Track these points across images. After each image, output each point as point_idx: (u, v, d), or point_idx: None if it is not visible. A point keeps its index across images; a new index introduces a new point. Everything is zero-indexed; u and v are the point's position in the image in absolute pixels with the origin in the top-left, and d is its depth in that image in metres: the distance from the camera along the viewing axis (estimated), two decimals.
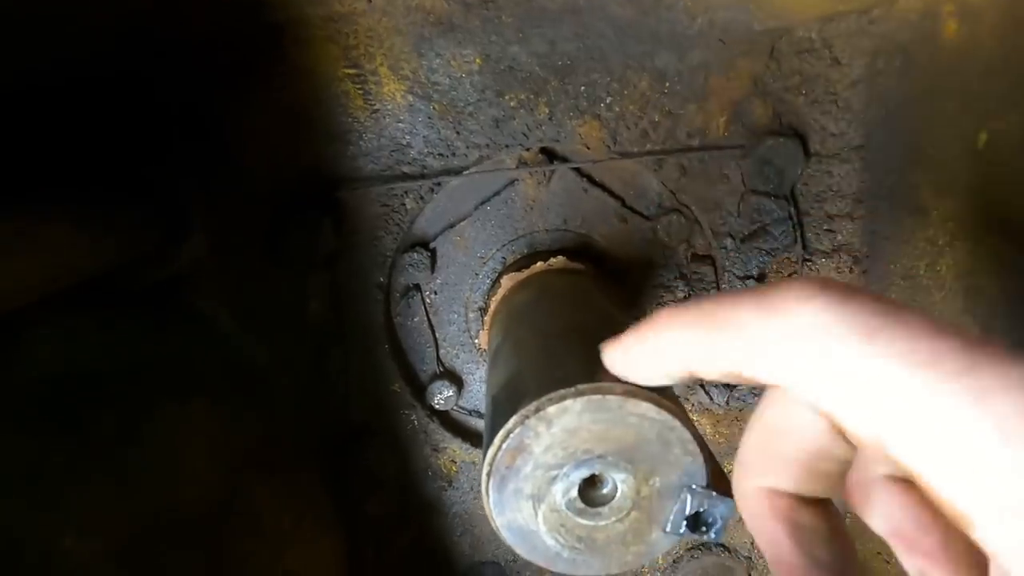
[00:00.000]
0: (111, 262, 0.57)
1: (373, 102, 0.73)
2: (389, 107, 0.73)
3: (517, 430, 0.44)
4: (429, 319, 0.85)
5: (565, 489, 0.45)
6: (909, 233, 0.67)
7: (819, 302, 0.29)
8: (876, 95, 0.69)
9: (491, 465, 0.45)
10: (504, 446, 0.45)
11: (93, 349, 0.58)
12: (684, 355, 0.37)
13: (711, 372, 0.36)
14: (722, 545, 0.98)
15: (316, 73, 0.71)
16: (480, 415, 0.91)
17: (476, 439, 0.90)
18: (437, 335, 0.86)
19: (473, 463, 0.91)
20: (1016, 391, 0.22)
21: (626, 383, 0.44)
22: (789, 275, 0.81)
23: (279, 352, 0.80)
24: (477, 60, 0.71)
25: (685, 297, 0.83)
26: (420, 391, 0.87)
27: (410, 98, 0.73)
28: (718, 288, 0.83)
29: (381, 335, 0.84)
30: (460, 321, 0.85)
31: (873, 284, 0.76)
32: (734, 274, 0.81)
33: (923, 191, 0.64)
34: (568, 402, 0.43)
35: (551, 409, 0.43)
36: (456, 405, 0.88)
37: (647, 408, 0.43)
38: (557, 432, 0.44)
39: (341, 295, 0.81)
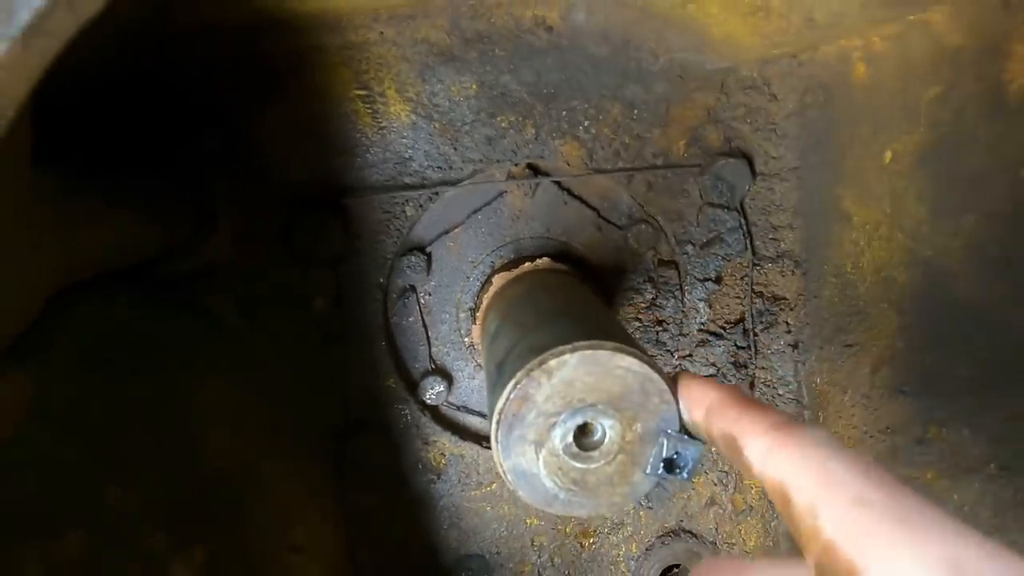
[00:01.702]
0: (154, 250, 0.63)
1: (380, 120, 0.83)
2: (394, 125, 0.83)
3: (523, 381, 0.52)
4: (423, 318, 0.92)
5: (562, 434, 0.53)
6: (837, 237, 0.80)
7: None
8: (807, 124, 0.83)
9: (500, 413, 0.53)
10: (512, 395, 0.53)
11: (130, 325, 0.63)
12: (727, 421, 0.44)
13: (733, 446, 0.43)
14: (690, 532, 1.06)
15: (330, 92, 0.80)
16: (468, 411, 0.97)
17: (464, 433, 0.97)
18: (430, 334, 0.93)
19: (461, 456, 0.97)
20: None
21: (615, 342, 0.53)
22: (741, 278, 0.93)
23: (283, 346, 0.86)
24: (473, 86, 0.82)
25: (653, 298, 0.94)
26: (413, 386, 0.93)
27: (413, 117, 0.83)
28: (682, 290, 0.94)
29: (379, 333, 0.90)
30: (451, 320, 0.93)
31: (811, 283, 0.88)
32: (695, 276, 0.93)
33: (846, 201, 0.77)
34: (566, 356, 0.52)
35: (552, 362, 0.52)
36: (446, 401, 0.95)
37: (631, 362, 0.53)
38: (556, 383, 0.53)
39: (343, 294, 0.88)
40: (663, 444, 0.54)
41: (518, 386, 0.53)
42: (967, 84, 0.56)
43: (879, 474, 0.32)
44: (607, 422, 0.54)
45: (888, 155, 0.68)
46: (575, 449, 0.54)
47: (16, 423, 0.41)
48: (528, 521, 1.02)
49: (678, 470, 0.55)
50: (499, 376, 0.58)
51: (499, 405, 0.53)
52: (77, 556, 0.52)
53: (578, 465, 0.54)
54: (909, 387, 0.72)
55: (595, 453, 0.54)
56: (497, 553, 1.03)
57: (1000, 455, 0.59)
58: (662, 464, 0.55)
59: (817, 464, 0.35)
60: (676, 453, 0.55)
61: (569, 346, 0.52)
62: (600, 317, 0.66)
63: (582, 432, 0.55)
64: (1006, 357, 0.57)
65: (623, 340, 0.54)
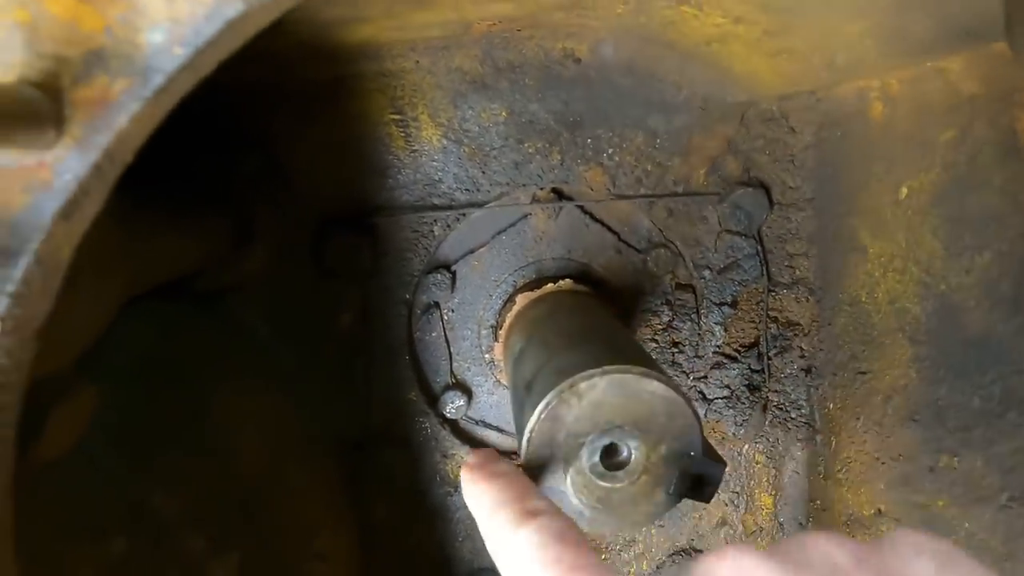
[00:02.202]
0: (195, 265, 0.67)
1: (412, 143, 0.86)
2: (426, 148, 0.86)
3: (554, 402, 0.55)
4: (446, 334, 0.95)
5: (590, 454, 0.56)
6: (852, 268, 0.83)
7: None
8: (823, 157, 0.86)
9: (531, 432, 0.56)
10: (543, 415, 0.55)
11: (170, 338, 0.66)
12: None
13: None
14: (700, 551, 1.07)
15: (365, 117, 0.84)
16: (487, 425, 1.00)
17: (482, 447, 0.99)
18: (452, 349, 0.96)
19: None
20: None
21: (642, 367, 0.55)
22: (757, 303, 0.95)
23: (310, 359, 0.89)
24: (503, 113, 0.86)
25: (670, 320, 0.97)
26: (434, 400, 0.96)
27: (444, 141, 0.86)
28: (698, 313, 0.96)
29: (402, 347, 0.93)
30: (473, 337, 0.96)
31: (825, 310, 0.91)
32: (712, 300, 0.95)
33: (861, 233, 0.80)
34: (596, 379, 0.55)
35: (582, 385, 0.55)
36: (465, 415, 0.97)
37: (658, 387, 0.55)
38: (586, 405, 0.55)
39: (370, 309, 0.91)
40: (686, 466, 0.57)
41: (549, 407, 0.55)
42: (981, 129, 0.59)
43: None
44: (633, 443, 0.56)
45: (904, 191, 0.71)
46: (601, 469, 0.56)
47: (80, 436, 0.44)
48: None
49: (701, 492, 0.58)
50: (528, 395, 0.61)
51: (530, 424, 0.56)
52: (121, 558, 0.54)
53: (604, 484, 0.57)
54: (921, 416, 0.74)
55: (620, 473, 0.57)
56: None
57: (1011, 485, 0.61)
58: (685, 485, 0.57)
59: None
60: (699, 475, 0.57)
61: (600, 370, 0.55)
62: (623, 340, 0.69)
63: (608, 453, 0.57)
64: (1017, 389, 0.59)
65: (648, 364, 0.57)
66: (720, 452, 1.02)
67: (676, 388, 0.56)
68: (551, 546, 0.41)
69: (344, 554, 0.84)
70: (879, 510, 0.83)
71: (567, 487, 0.57)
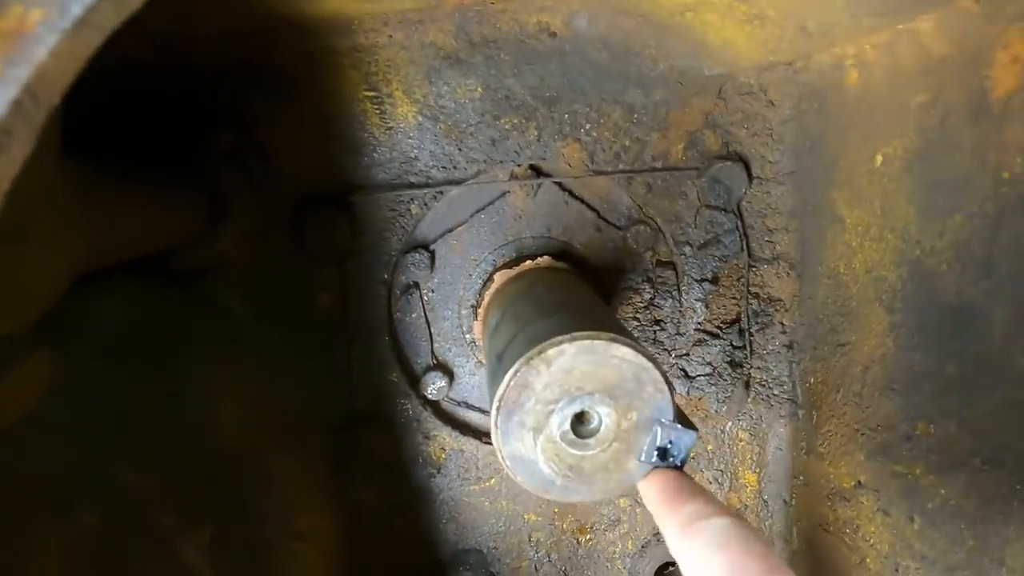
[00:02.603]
0: (168, 240, 0.66)
1: (388, 120, 0.85)
2: (401, 125, 0.86)
3: (523, 369, 0.55)
4: (426, 315, 0.94)
5: (560, 422, 0.55)
6: (831, 239, 0.83)
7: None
8: (802, 129, 0.86)
9: (500, 400, 0.55)
10: (512, 383, 0.55)
11: (145, 315, 0.66)
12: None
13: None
14: None
15: (340, 94, 0.83)
16: (468, 406, 0.99)
17: (464, 428, 0.99)
18: (432, 330, 0.95)
19: (461, 451, 0.99)
20: None
21: (611, 333, 0.55)
22: (738, 279, 0.95)
23: (290, 340, 0.88)
24: (479, 89, 0.85)
25: (651, 298, 0.96)
26: (415, 381, 0.95)
27: (420, 118, 0.85)
28: (679, 290, 0.96)
29: (382, 328, 0.93)
30: (453, 317, 0.95)
31: (805, 284, 0.91)
32: (692, 277, 0.95)
33: (839, 204, 0.80)
34: (564, 345, 0.54)
35: (551, 351, 0.54)
36: (447, 396, 0.97)
37: (627, 352, 0.55)
38: (555, 371, 0.55)
39: (349, 290, 0.90)
40: (657, 432, 0.56)
41: (518, 374, 0.55)
42: (952, 91, 0.59)
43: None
44: (603, 410, 0.56)
45: (879, 159, 0.71)
46: (572, 436, 0.56)
47: (41, 398, 0.43)
48: (526, 517, 1.03)
49: (671, 458, 0.57)
50: (499, 365, 0.60)
51: (499, 392, 0.55)
52: (90, 533, 0.54)
53: (574, 452, 0.56)
54: (898, 384, 0.73)
55: (591, 440, 0.56)
56: (495, 548, 1.04)
57: (983, 449, 0.61)
58: (656, 452, 0.57)
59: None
60: (670, 441, 0.57)
61: (568, 336, 0.55)
62: (597, 310, 0.68)
63: (579, 420, 0.57)
64: (989, 353, 0.59)
65: (619, 332, 0.56)
66: (704, 430, 1.03)
67: (646, 353, 0.55)
68: (737, 536, 0.46)
69: (326, 536, 0.84)
70: (859, 482, 0.83)
71: (538, 455, 0.56)
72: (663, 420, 0.56)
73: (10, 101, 0.26)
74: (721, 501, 0.59)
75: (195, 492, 0.63)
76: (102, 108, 0.66)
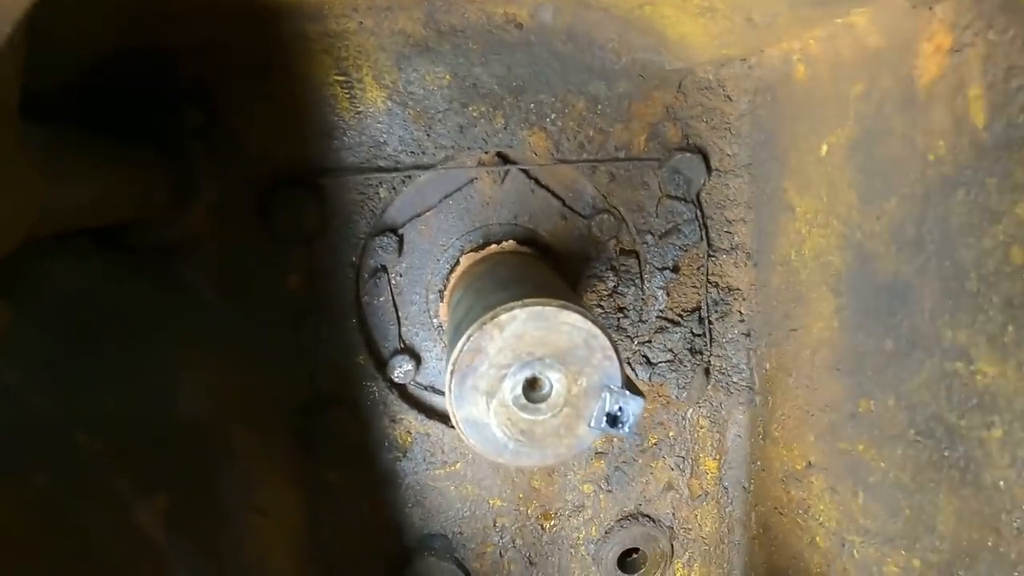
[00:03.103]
0: (130, 212, 0.67)
1: (357, 105, 0.87)
2: (371, 110, 0.88)
3: (476, 334, 0.57)
4: (394, 298, 0.96)
5: (512, 386, 0.57)
6: (783, 227, 0.86)
7: None
8: (757, 123, 0.89)
9: (454, 364, 0.57)
10: (465, 347, 0.57)
11: (106, 286, 0.66)
12: None
13: None
14: (648, 516, 1.09)
15: (311, 77, 0.85)
16: (435, 391, 1.01)
17: (431, 412, 1.00)
18: (400, 314, 0.97)
19: (427, 435, 1.00)
20: None
21: (561, 300, 0.57)
22: (698, 268, 0.98)
23: (256, 320, 0.89)
24: (447, 77, 0.87)
25: (615, 286, 0.99)
26: (382, 364, 0.97)
27: (389, 104, 0.87)
28: (642, 278, 0.99)
29: (350, 311, 0.94)
30: (421, 302, 0.97)
31: (761, 273, 0.94)
32: (654, 265, 0.98)
33: (790, 194, 0.83)
34: (516, 311, 0.56)
35: (503, 316, 0.56)
36: (414, 380, 0.98)
37: (576, 318, 0.57)
38: (507, 336, 0.57)
39: (317, 272, 0.91)
40: (606, 399, 0.59)
41: (471, 338, 0.57)
42: (885, 80, 0.62)
43: None
44: (554, 376, 0.58)
45: (824, 148, 0.74)
46: (524, 401, 0.58)
47: None
48: (491, 502, 1.05)
49: (620, 424, 0.59)
50: (456, 334, 0.62)
51: (453, 356, 0.57)
52: (41, 493, 0.54)
53: (526, 416, 0.58)
54: (843, 364, 0.77)
55: (542, 405, 0.58)
56: (460, 533, 1.05)
57: (916, 421, 0.64)
58: (605, 418, 0.59)
59: None
60: (619, 408, 0.59)
61: (520, 302, 0.57)
62: (551, 283, 0.70)
63: (531, 386, 0.59)
64: (920, 327, 0.62)
65: (570, 301, 0.59)
66: (665, 416, 1.05)
67: (595, 320, 0.57)
68: None
69: (287, 512, 0.84)
70: (810, 462, 0.86)
71: (490, 419, 0.58)
72: (612, 386, 0.59)
73: None
74: None
75: (152, 460, 0.63)
76: (69, 84, 0.67)
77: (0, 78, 0.29)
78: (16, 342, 0.55)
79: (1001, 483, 0.55)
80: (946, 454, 0.61)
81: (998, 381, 0.54)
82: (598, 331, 0.57)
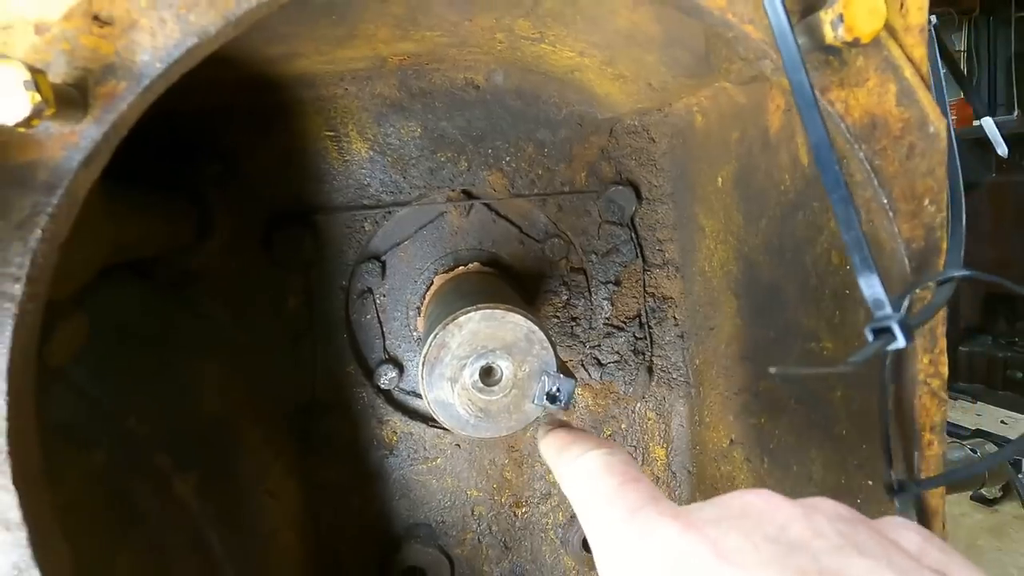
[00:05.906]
0: (164, 247, 0.83)
1: (345, 155, 1.05)
2: (356, 158, 1.06)
3: (441, 332, 0.73)
4: (379, 316, 1.12)
5: (471, 373, 0.74)
6: (698, 244, 1.05)
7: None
8: (674, 160, 1.09)
9: (424, 357, 0.73)
10: (433, 343, 0.73)
11: (139, 309, 0.82)
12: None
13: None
14: None
15: (306, 133, 1.03)
16: (416, 395, 1.16)
17: (413, 414, 1.15)
18: (384, 329, 1.13)
19: (410, 434, 1.15)
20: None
21: (508, 305, 0.74)
22: (636, 281, 1.16)
23: (262, 337, 1.05)
24: (418, 129, 1.06)
25: (567, 299, 1.16)
26: (370, 373, 1.12)
27: (371, 153, 1.05)
28: (589, 291, 1.16)
29: (341, 327, 1.10)
30: (402, 318, 1.13)
31: (687, 283, 1.12)
32: (599, 280, 1.15)
33: (700, 216, 1.02)
34: (472, 314, 0.73)
35: (462, 318, 0.73)
36: (398, 386, 1.14)
37: (519, 318, 0.74)
38: (466, 334, 0.73)
39: (312, 294, 1.08)
40: (544, 381, 0.75)
41: (437, 336, 0.73)
42: (751, 129, 0.82)
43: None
44: (503, 364, 0.74)
45: (720, 180, 0.93)
46: (480, 384, 0.74)
47: (77, 350, 0.60)
48: (468, 493, 1.19)
49: (558, 401, 0.76)
50: (426, 335, 0.79)
51: (424, 350, 0.74)
52: (101, 466, 0.69)
53: (483, 397, 0.74)
54: (748, 353, 0.94)
55: (495, 388, 0.75)
56: (442, 522, 1.19)
57: (793, 392, 0.81)
58: (545, 396, 0.75)
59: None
60: (557, 388, 0.75)
61: (474, 307, 0.74)
62: (503, 293, 0.87)
63: (486, 373, 0.75)
64: (788, 318, 0.80)
65: (516, 306, 0.76)
66: (617, 411, 1.22)
67: (534, 320, 0.74)
68: (613, 464, 0.50)
69: (291, 498, 0.98)
70: (731, 439, 1.03)
71: (455, 400, 0.74)
72: (549, 371, 0.75)
73: (102, 134, 0.44)
74: (602, 438, 0.74)
75: (184, 443, 0.78)
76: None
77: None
78: (81, 349, 0.71)
79: (844, 432, 0.72)
80: (812, 416, 0.78)
81: (835, 353, 0.71)
82: (536, 327, 0.74)
